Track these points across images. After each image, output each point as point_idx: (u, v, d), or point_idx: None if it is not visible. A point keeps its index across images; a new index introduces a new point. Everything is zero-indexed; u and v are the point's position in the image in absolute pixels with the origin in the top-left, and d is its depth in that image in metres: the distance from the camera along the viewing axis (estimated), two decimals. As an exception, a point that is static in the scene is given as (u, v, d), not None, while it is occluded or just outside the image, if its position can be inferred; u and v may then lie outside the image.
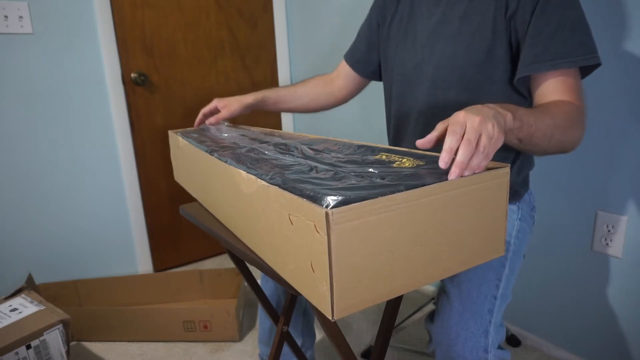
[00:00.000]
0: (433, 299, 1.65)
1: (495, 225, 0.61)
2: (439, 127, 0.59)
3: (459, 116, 0.56)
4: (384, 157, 0.68)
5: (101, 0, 1.73)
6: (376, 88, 1.25)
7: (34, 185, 1.72)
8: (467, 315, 0.77)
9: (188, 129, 1.09)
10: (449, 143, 0.54)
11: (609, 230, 1.21)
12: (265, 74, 2.27)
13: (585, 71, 0.82)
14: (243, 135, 0.96)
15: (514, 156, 0.91)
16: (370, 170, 0.59)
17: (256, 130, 1.03)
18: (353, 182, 0.54)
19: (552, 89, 0.78)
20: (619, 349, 1.25)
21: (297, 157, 0.71)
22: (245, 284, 1.69)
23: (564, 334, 1.37)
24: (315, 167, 0.64)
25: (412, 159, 0.64)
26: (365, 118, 1.93)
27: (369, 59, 1.10)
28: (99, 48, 1.77)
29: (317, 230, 0.47)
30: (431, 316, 0.84)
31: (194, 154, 0.87)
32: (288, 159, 0.70)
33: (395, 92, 1.00)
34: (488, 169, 0.58)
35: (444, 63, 0.88)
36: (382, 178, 0.55)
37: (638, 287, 1.19)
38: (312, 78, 1.19)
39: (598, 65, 0.79)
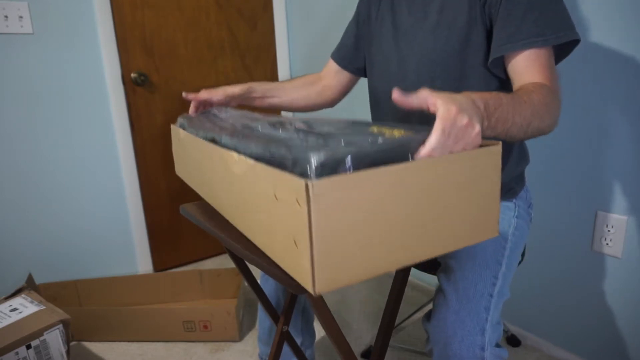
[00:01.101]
0: (432, 299, 1.65)
1: (487, 204, 0.59)
2: (424, 99, 0.57)
3: (452, 112, 0.54)
4: (374, 129, 0.66)
5: (101, 0, 1.74)
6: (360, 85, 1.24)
7: (34, 185, 1.72)
8: (463, 313, 0.77)
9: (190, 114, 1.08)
10: (435, 141, 0.53)
11: (609, 230, 1.21)
12: (265, 74, 2.27)
13: (564, 50, 0.82)
14: (244, 117, 0.95)
15: (506, 152, 0.92)
16: (359, 137, 0.57)
17: (259, 115, 1.02)
18: (339, 144, 0.53)
19: (525, 68, 0.78)
20: (619, 349, 1.25)
21: (289, 131, 0.70)
22: (245, 284, 1.69)
23: (564, 334, 1.37)
24: (306, 138, 0.62)
25: (403, 130, 0.62)
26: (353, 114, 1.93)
27: (355, 55, 1.10)
28: (99, 48, 1.77)
29: (298, 203, 0.46)
30: (428, 315, 0.84)
31: (193, 143, 0.86)
32: (280, 134, 0.68)
33: (381, 89, 1.01)
34: (479, 146, 0.57)
35: (426, 56, 0.89)
36: (371, 141, 0.54)
37: (638, 287, 1.18)
38: (302, 76, 1.19)
39: (576, 42, 0.79)
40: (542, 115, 0.70)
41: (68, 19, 1.68)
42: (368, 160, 0.50)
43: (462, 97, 0.58)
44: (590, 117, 1.19)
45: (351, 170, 0.49)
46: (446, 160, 0.53)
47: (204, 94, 1.03)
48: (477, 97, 0.61)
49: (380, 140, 0.54)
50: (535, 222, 1.30)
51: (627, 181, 1.16)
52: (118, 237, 1.95)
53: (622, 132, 1.14)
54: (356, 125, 0.72)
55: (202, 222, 0.85)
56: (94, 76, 1.78)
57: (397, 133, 0.59)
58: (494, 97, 0.64)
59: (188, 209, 0.93)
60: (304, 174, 0.48)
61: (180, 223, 2.12)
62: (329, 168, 0.48)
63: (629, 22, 1.08)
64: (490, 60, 0.82)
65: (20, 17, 1.58)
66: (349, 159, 0.49)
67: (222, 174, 0.72)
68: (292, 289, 0.58)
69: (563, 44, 0.80)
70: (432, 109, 0.56)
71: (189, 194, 2.10)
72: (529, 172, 1.01)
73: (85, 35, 1.73)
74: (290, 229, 0.49)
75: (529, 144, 1.01)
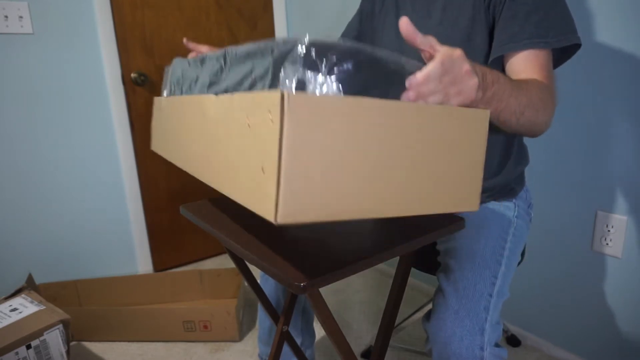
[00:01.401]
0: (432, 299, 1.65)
1: (469, 173, 0.57)
2: (429, 42, 0.55)
3: (455, 53, 0.53)
4: None
5: (101, 0, 1.74)
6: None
7: (34, 185, 1.72)
8: (462, 313, 0.77)
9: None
10: (432, 69, 0.51)
11: (609, 230, 1.21)
12: (265, 74, 2.27)
13: (566, 53, 0.82)
14: None
15: (506, 151, 0.91)
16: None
17: None
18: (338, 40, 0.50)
19: (523, 67, 0.78)
20: (619, 349, 1.25)
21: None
22: (245, 284, 1.69)
23: (564, 334, 1.37)
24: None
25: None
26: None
27: None
28: (99, 48, 1.77)
29: (271, 120, 0.42)
30: (428, 315, 0.84)
31: (172, 104, 0.82)
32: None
33: None
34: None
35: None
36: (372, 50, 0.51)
37: (638, 287, 1.18)
38: None
39: (577, 46, 0.79)
40: (537, 108, 0.70)
41: (68, 19, 1.68)
42: (361, 59, 0.47)
43: (465, 61, 0.56)
44: (591, 117, 1.19)
45: (341, 66, 0.46)
46: (434, 110, 0.51)
47: (204, 49, 1.02)
48: (477, 65, 0.60)
49: (379, 52, 0.51)
50: (535, 222, 1.30)
51: (627, 181, 1.16)
52: (118, 237, 1.95)
53: (622, 132, 1.14)
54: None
55: (202, 222, 0.85)
56: (94, 76, 1.78)
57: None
58: (493, 73, 0.63)
59: (188, 209, 0.93)
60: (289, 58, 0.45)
61: (180, 223, 2.12)
62: (318, 54, 0.45)
63: (630, 22, 1.08)
64: (490, 59, 0.82)
65: (20, 17, 1.58)
66: (344, 44, 0.46)
67: (196, 124, 0.67)
68: (292, 289, 0.58)
69: (564, 48, 0.80)
70: (433, 52, 0.54)
71: (189, 194, 2.10)
72: (528, 172, 1.01)
73: (85, 35, 1.73)
74: (259, 156, 0.45)
75: (528, 144, 1.01)
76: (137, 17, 1.85)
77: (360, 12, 1.10)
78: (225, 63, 0.65)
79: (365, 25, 1.07)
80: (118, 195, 1.92)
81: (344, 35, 1.14)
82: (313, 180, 0.43)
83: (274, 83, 0.50)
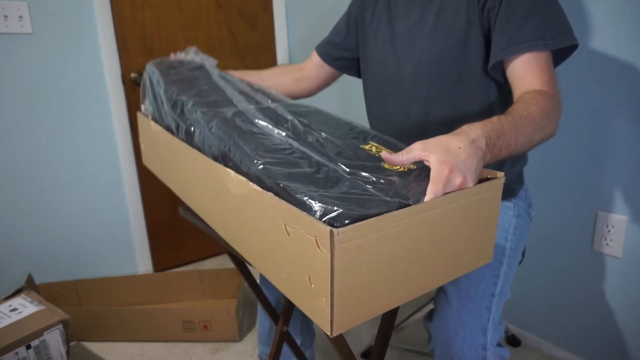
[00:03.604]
0: (433, 298, 1.65)
1: (486, 233, 0.61)
2: (416, 156, 0.56)
3: (444, 173, 0.53)
4: (374, 149, 0.66)
5: (101, 0, 1.73)
6: (356, 86, 1.24)
7: (34, 185, 1.72)
8: (465, 313, 0.77)
9: (162, 59, 1.03)
10: (432, 192, 0.53)
11: (609, 230, 1.21)
12: (265, 74, 2.27)
13: (563, 54, 0.82)
14: (226, 81, 0.91)
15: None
16: (363, 174, 0.58)
17: (236, 78, 0.98)
18: (345, 190, 0.53)
19: (524, 71, 0.77)
20: (619, 349, 1.25)
21: (287, 133, 0.68)
22: (245, 284, 1.68)
23: (564, 334, 1.37)
24: (309, 157, 0.61)
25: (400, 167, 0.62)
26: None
27: (341, 54, 1.10)
28: (99, 48, 1.77)
29: (318, 246, 0.46)
30: (430, 315, 0.84)
31: (171, 142, 0.83)
32: (277, 138, 0.67)
33: (377, 91, 1.00)
34: (484, 179, 0.58)
35: (423, 60, 0.89)
36: (373, 185, 0.55)
37: (638, 287, 1.18)
38: (282, 65, 1.19)
39: (574, 47, 0.80)
40: (544, 127, 0.70)
41: (68, 19, 1.68)
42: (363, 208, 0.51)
43: (459, 143, 0.56)
44: (590, 118, 1.19)
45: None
46: (455, 197, 0.54)
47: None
48: (479, 132, 0.59)
49: (382, 178, 0.56)
50: (535, 222, 1.30)
51: (627, 181, 1.16)
52: (118, 237, 1.95)
53: (622, 132, 1.14)
54: (355, 134, 0.71)
55: (201, 224, 0.84)
56: (94, 76, 1.78)
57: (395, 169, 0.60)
58: (496, 126, 0.62)
59: (187, 210, 0.92)
60: (310, 211, 0.49)
61: (180, 223, 2.12)
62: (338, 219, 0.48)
63: (629, 23, 1.08)
64: (490, 64, 0.81)
65: (20, 17, 1.58)
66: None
67: (212, 186, 0.70)
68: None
69: (562, 49, 0.80)
70: (426, 163, 0.56)
71: (189, 194, 2.10)
72: (528, 172, 1.01)
73: (85, 35, 1.73)
74: (304, 266, 0.49)
75: (529, 144, 1.01)
76: (137, 17, 1.85)
77: (348, 15, 1.08)
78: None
79: (353, 31, 1.06)
80: (118, 195, 1.92)
81: (331, 37, 1.13)
82: (361, 292, 0.49)
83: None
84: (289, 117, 0.75)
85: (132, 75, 1.87)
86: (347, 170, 0.59)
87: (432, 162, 0.54)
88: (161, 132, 0.87)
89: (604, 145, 1.18)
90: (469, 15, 0.83)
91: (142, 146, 1.01)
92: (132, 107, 1.90)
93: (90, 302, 1.72)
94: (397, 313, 0.86)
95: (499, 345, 0.80)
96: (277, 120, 0.73)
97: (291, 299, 0.55)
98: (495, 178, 0.59)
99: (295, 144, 0.65)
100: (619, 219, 1.18)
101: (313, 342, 1.21)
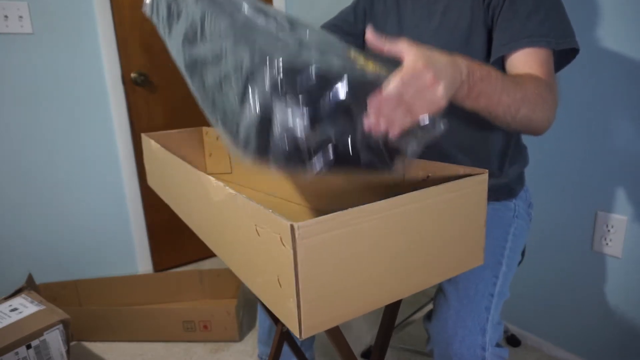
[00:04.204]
0: (432, 299, 1.65)
1: (474, 233, 0.59)
2: (398, 49, 0.52)
3: (417, 65, 0.49)
4: (351, 54, 0.60)
5: (101, 0, 1.73)
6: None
7: (34, 185, 1.72)
8: (464, 313, 0.77)
9: None
10: (390, 88, 0.48)
11: (609, 230, 1.21)
12: (265, 74, 2.27)
13: (564, 59, 0.82)
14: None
15: (503, 153, 0.91)
16: (333, 57, 0.52)
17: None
18: (312, 53, 0.49)
19: (523, 64, 0.76)
20: (619, 349, 1.25)
21: (270, 21, 0.61)
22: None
23: (564, 334, 1.37)
24: (281, 34, 0.55)
25: (378, 65, 0.56)
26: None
27: (346, 38, 1.08)
28: (99, 48, 1.77)
29: (282, 244, 0.44)
30: (429, 315, 0.84)
31: (167, 158, 0.82)
32: (259, 22, 0.60)
33: None
34: (467, 175, 0.56)
35: None
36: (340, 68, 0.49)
37: (638, 286, 1.18)
38: None
39: (575, 52, 0.79)
40: (534, 104, 0.68)
41: (68, 19, 1.68)
42: (330, 78, 0.47)
43: (442, 56, 0.54)
44: (590, 117, 1.19)
45: (312, 78, 0.46)
46: (434, 191, 0.52)
47: None
48: (465, 61, 0.58)
49: (349, 67, 0.50)
50: (535, 222, 1.30)
51: (627, 181, 1.16)
52: (118, 237, 1.95)
53: (622, 132, 1.14)
54: (337, 43, 0.63)
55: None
56: (94, 76, 1.78)
57: (372, 66, 0.54)
58: (484, 69, 0.61)
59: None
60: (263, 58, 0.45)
61: (180, 223, 2.11)
62: (290, 75, 0.44)
63: (629, 22, 1.08)
64: (491, 60, 0.82)
65: (20, 17, 1.58)
66: (312, 69, 0.46)
67: (198, 196, 0.69)
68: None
69: (563, 53, 0.80)
70: (403, 58, 0.51)
71: (189, 194, 2.10)
72: (528, 172, 1.01)
73: (85, 35, 1.73)
74: (273, 266, 0.48)
75: (528, 144, 1.01)
76: (137, 17, 1.85)
77: (356, 7, 1.07)
78: (203, 26, 0.63)
79: (362, 24, 1.06)
80: (118, 195, 1.92)
81: (333, 23, 1.10)
82: (331, 291, 0.47)
83: (245, 95, 0.50)
84: (276, 15, 0.67)
85: (132, 75, 1.87)
86: (319, 48, 0.53)
87: (409, 55, 0.50)
88: (159, 150, 0.87)
89: (603, 145, 1.18)
90: (473, 13, 0.83)
91: (147, 167, 1.02)
92: (132, 107, 1.90)
93: (90, 302, 1.72)
94: (397, 313, 0.86)
95: (498, 345, 0.80)
96: (267, 14, 0.66)
97: (266, 303, 0.53)
98: (479, 174, 0.57)
99: (273, 27, 0.58)
100: (619, 219, 1.18)
101: (313, 341, 1.21)
